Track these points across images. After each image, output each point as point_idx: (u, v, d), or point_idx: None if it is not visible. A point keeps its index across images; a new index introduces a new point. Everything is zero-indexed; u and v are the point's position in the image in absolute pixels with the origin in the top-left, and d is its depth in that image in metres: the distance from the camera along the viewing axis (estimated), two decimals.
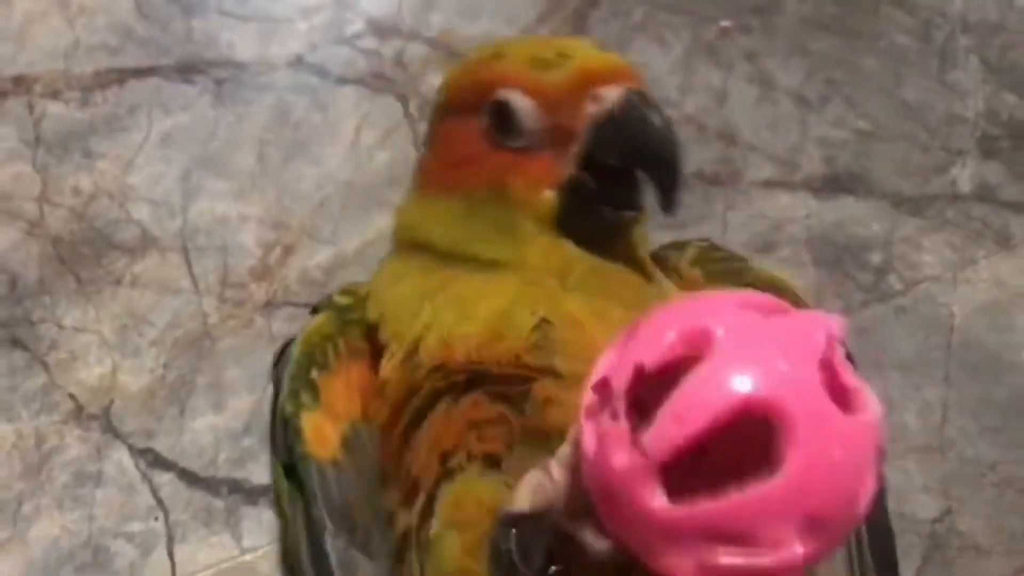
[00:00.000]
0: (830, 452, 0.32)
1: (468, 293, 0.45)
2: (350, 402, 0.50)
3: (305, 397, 0.49)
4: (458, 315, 0.45)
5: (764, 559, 0.30)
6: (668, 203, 0.44)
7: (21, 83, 0.76)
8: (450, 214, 0.47)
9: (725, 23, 0.83)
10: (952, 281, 0.69)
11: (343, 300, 0.52)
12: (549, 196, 0.45)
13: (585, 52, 0.47)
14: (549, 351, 0.43)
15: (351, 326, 0.51)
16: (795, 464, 0.30)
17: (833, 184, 0.74)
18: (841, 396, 0.32)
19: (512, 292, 0.45)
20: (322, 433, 0.49)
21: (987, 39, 0.82)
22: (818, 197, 0.73)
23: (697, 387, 0.31)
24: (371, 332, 0.51)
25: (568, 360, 0.42)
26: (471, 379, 0.44)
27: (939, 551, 0.59)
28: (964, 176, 0.75)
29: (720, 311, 0.33)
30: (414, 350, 0.46)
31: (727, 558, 0.30)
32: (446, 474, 0.43)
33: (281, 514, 0.49)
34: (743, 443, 0.32)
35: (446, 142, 0.48)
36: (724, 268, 0.53)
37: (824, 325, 0.32)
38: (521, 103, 0.44)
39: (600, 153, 0.44)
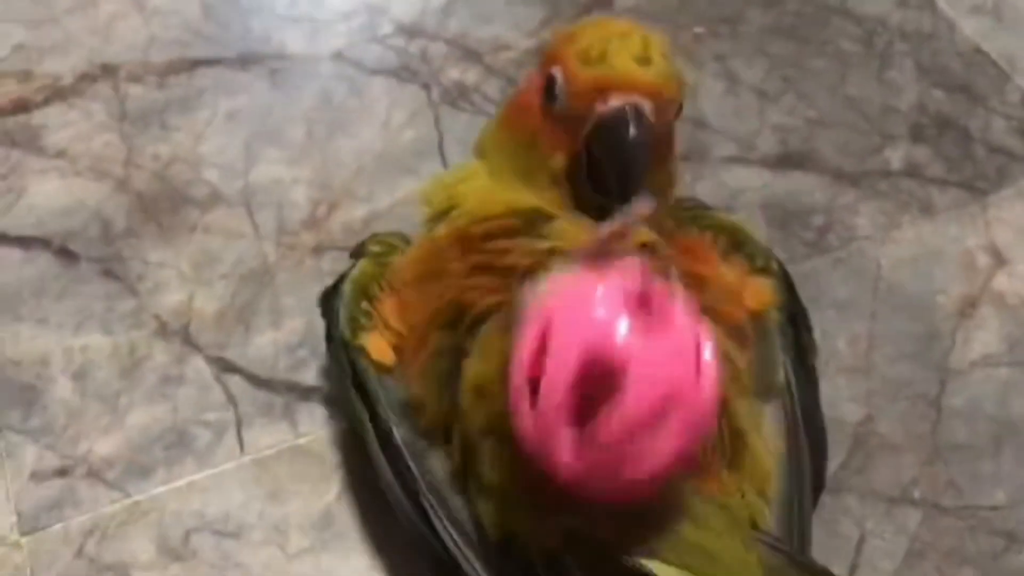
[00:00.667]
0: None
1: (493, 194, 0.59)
2: (398, 321, 0.62)
3: (363, 321, 0.62)
4: (478, 203, 0.59)
5: None
6: (619, 199, 0.52)
7: (108, 70, 0.89)
8: (503, 146, 0.61)
9: (699, 30, 0.96)
10: (881, 240, 0.82)
11: (376, 248, 0.66)
12: (560, 160, 0.57)
13: (622, 61, 0.54)
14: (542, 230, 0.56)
15: (386, 268, 0.65)
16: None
17: (785, 161, 0.87)
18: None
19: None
20: (379, 347, 0.62)
21: (921, 46, 0.96)
22: (772, 171, 0.86)
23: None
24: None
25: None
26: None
27: (861, 448, 0.71)
28: (896, 156, 0.88)
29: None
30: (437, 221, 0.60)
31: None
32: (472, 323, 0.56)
33: (355, 422, 0.61)
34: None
35: (526, 89, 0.61)
36: (690, 215, 0.66)
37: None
38: (560, 81, 0.56)
39: (589, 146, 0.55)
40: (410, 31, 0.94)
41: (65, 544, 0.66)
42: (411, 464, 0.60)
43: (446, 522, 0.58)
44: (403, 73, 0.91)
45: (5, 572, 0.64)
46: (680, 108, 0.58)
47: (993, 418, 0.73)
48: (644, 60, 0.55)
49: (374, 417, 0.61)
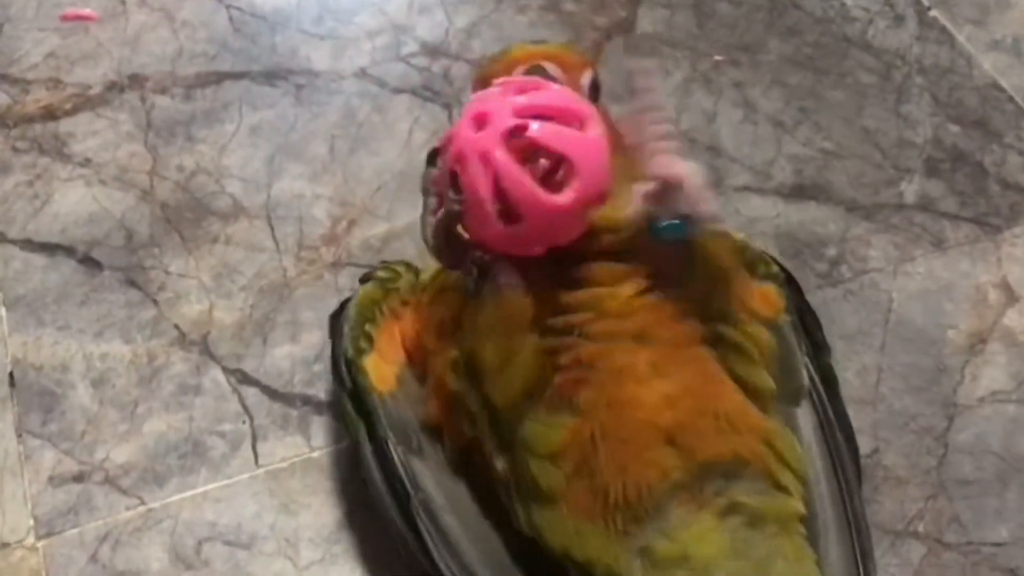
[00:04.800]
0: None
1: None
2: (396, 350, 0.66)
3: (364, 344, 0.65)
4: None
5: None
6: None
7: (136, 80, 0.91)
8: None
9: (718, 58, 0.97)
10: (893, 273, 0.83)
11: (384, 274, 0.69)
12: None
13: (519, 48, 0.66)
14: None
15: (391, 293, 0.68)
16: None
17: (799, 192, 0.88)
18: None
19: None
20: (380, 372, 0.65)
21: (938, 80, 0.97)
22: (786, 201, 0.87)
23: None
24: (405, 298, 0.66)
25: None
26: None
27: (867, 480, 0.71)
28: (910, 190, 0.89)
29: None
30: None
31: None
32: None
33: (353, 436, 0.64)
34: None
35: None
36: None
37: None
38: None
39: None
40: (433, 51, 0.95)
41: (80, 549, 0.67)
42: (405, 480, 0.61)
43: (436, 538, 0.60)
44: (425, 92, 0.92)
45: (22, 575, 0.66)
46: (596, 81, 0.67)
47: (999, 455, 0.74)
48: (537, 43, 0.68)
49: (371, 433, 0.63)
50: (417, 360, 0.65)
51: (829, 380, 0.67)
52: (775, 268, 0.68)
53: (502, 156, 0.52)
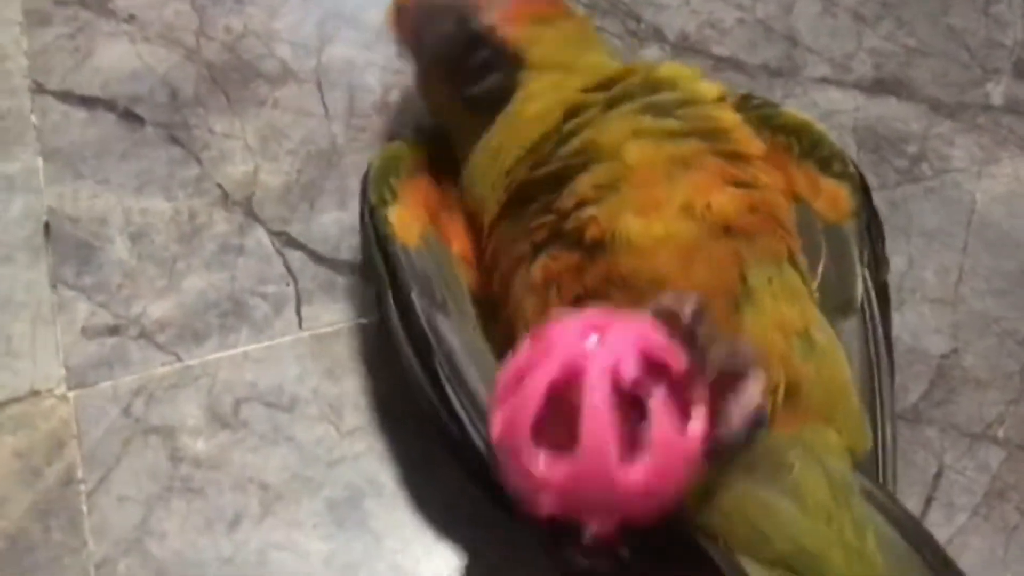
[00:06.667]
0: None
1: None
2: (419, 207, 0.62)
3: (387, 195, 0.61)
4: None
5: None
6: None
7: None
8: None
9: None
10: (977, 174, 0.78)
11: (411, 136, 0.65)
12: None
13: None
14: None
15: (418, 149, 0.64)
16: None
17: (880, 86, 0.83)
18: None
19: None
20: (404, 223, 0.61)
21: None
22: (866, 95, 0.82)
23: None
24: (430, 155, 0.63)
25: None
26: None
27: (944, 380, 0.68)
28: (997, 91, 0.84)
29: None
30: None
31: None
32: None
33: (376, 287, 0.60)
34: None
35: None
36: (758, 114, 0.63)
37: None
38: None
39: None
40: None
41: (112, 402, 0.64)
42: (427, 331, 0.58)
43: (458, 389, 0.57)
44: None
45: (51, 424, 0.63)
46: None
47: None
48: None
49: (394, 282, 0.60)
50: (440, 221, 0.63)
51: (883, 299, 0.62)
52: (852, 169, 0.63)
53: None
